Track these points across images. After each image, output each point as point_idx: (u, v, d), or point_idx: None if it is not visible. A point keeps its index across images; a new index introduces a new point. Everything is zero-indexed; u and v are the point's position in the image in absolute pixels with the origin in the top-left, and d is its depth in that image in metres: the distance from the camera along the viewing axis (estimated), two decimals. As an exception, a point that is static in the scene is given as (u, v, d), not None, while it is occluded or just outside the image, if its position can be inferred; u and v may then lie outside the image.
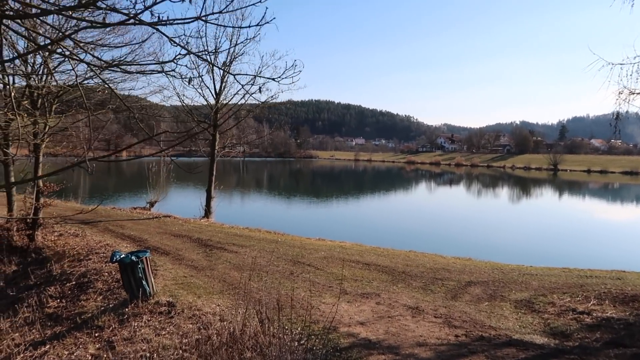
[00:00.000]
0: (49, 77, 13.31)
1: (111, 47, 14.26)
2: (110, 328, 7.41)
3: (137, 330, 7.13)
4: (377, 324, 6.93)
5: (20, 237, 13.61)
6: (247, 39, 18.18)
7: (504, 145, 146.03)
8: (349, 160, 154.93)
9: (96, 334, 7.33)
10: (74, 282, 10.12)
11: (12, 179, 14.26)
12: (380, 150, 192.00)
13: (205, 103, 18.77)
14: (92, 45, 14.20)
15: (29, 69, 13.24)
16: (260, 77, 4.63)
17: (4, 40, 13.06)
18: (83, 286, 9.76)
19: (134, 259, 7.92)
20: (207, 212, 18.46)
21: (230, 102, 19.34)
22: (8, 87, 13.60)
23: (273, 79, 4.17)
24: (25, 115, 13.18)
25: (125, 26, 14.70)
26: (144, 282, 8.09)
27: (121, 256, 8.03)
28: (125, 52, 14.15)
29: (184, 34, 3.68)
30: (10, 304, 10.17)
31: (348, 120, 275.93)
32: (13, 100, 14.10)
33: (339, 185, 64.61)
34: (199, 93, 18.27)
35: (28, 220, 13.33)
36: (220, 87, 18.33)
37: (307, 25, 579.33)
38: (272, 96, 18.55)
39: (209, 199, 18.65)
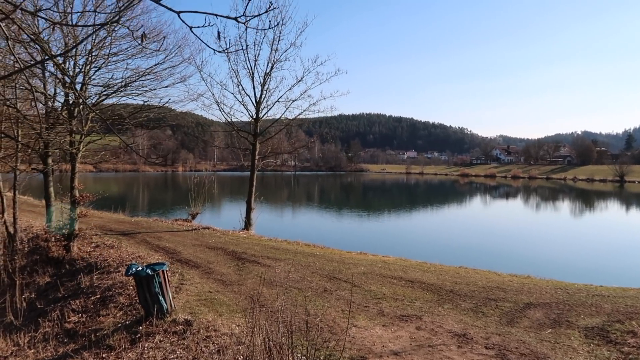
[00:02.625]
0: (85, 87, 13.21)
1: (147, 55, 14.07)
2: (120, 348, 6.74)
3: (145, 352, 6.41)
4: (415, 355, 5.85)
5: (56, 248, 13.49)
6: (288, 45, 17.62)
7: (565, 156, 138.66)
8: (400, 173, 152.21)
9: (104, 355, 6.68)
10: (98, 296, 9.66)
11: (51, 190, 14.24)
12: (432, 163, 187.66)
13: (244, 111, 18.34)
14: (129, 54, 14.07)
15: (67, 78, 13.17)
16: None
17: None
18: (106, 300, 9.26)
19: (150, 272, 7.26)
20: (247, 224, 17.87)
21: (271, 110, 18.78)
22: (49, 97, 13.67)
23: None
24: (61, 124, 13.15)
25: (160, 37, 14.53)
26: (160, 298, 7.41)
27: (137, 269, 7.40)
28: (161, 59, 13.92)
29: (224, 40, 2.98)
30: (36, 316, 9.85)
31: (399, 133, 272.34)
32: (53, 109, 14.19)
33: (390, 198, 63.00)
34: (239, 100, 17.85)
35: (65, 231, 13.17)
36: (261, 94, 17.85)
37: (355, 38, 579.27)
38: (313, 103, 17.87)
39: (248, 210, 18.07)
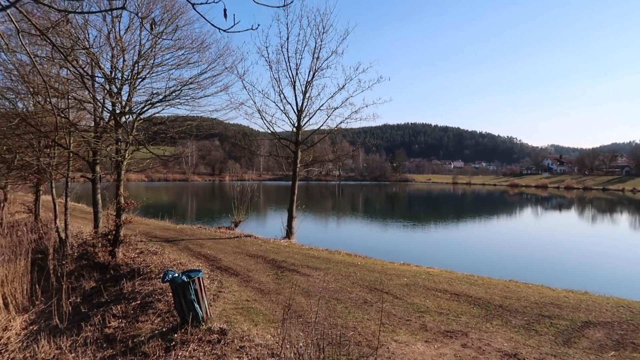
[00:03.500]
0: (131, 97, 13.51)
1: (191, 65, 14.26)
2: (154, 356, 6.65)
3: (178, 361, 6.28)
4: (461, 374, 5.42)
5: (103, 254, 13.78)
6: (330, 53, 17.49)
7: (622, 166, 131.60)
8: (446, 183, 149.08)
9: (138, 362, 6.61)
10: (138, 302, 9.70)
11: (99, 197, 14.61)
12: (480, 173, 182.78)
13: (286, 120, 18.30)
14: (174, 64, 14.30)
15: (114, 88, 13.53)
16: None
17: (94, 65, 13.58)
18: (145, 306, 9.27)
19: (185, 279, 7.16)
20: (289, 233, 17.73)
21: (313, 119, 18.63)
22: (97, 107, 14.07)
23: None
24: (108, 133, 13.48)
25: (205, 47, 14.71)
26: (195, 305, 7.29)
27: (173, 275, 7.32)
28: (203, 68, 14.09)
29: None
30: (79, 320, 9.98)
31: (445, 143, 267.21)
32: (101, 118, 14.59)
33: (436, 209, 61.55)
34: (280, 109, 17.82)
35: (109, 237, 13.45)
36: (303, 103, 17.77)
37: (399, 49, 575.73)
38: (355, 110, 17.60)
39: (290, 218, 17.94)
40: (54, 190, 18.66)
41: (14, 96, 16.59)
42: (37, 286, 13.15)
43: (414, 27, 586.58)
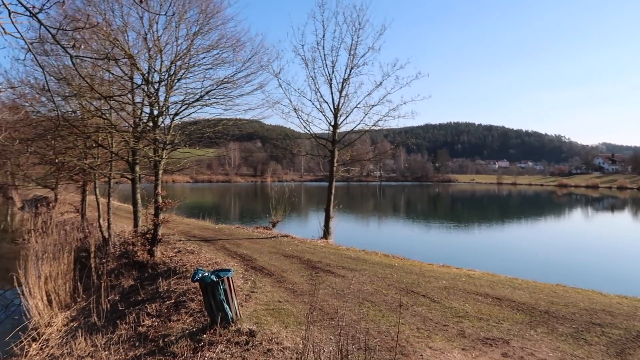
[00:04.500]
0: (167, 98, 13.63)
1: (226, 64, 14.28)
2: (182, 357, 6.54)
3: (205, 362, 6.14)
4: (501, 386, 5.00)
5: (142, 253, 13.96)
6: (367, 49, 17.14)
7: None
8: (490, 183, 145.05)
9: (166, 362, 6.52)
10: (173, 301, 9.69)
11: (138, 196, 14.84)
12: (526, 173, 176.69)
13: (322, 118, 18.05)
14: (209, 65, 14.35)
15: (152, 88, 13.70)
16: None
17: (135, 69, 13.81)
18: (179, 305, 9.24)
19: (214, 279, 7.03)
20: (326, 233, 17.49)
21: (350, 117, 18.33)
22: (136, 108, 14.29)
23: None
24: (146, 134, 13.66)
25: (240, 46, 14.70)
26: (225, 306, 7.15)
27: (203, 274, 7.20)
28: (238, 67, 14.08)
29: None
30: (116, 318, 10.08)
31: (490, 142, 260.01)
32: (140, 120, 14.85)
33: (480, 209, 59.85)
34: (316, 107, 17.63)
35: (148, 236, 13.61)
36: (339, 101, 17.49)
37: (439, 43, 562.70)
38: (393, 108, 17.17)
39: (327, 219, 17.69)
40: (97, 190, 19.19)
41: (60, 99, 17.14)
42: (79, 284, 13.47)
43: (453, 21, 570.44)
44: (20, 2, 2.99)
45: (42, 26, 3.18)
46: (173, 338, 7.41)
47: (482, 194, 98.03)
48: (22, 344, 9.96)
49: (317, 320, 7.44)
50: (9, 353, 9.80)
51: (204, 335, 6.99)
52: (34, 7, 3.30)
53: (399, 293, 9.10)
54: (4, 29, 3.20)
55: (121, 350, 7.77)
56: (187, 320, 8.23)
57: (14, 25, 3.29)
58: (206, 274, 7.21)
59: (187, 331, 7.58)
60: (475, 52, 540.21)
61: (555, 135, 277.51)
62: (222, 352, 6.40)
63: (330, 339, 6.48)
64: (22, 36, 3.34)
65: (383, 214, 48.39)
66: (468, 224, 40.51)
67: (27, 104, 16.41)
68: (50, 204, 31.93)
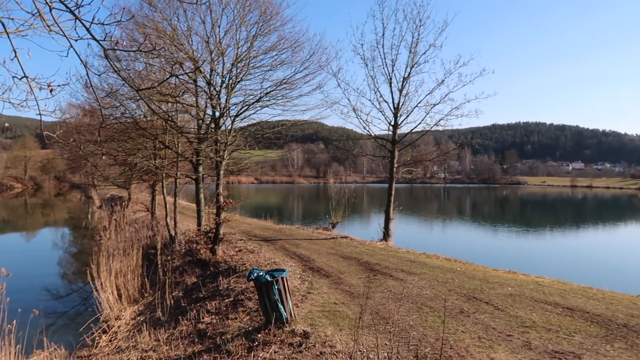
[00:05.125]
0: (228, 99, 13.95)
1: (285, 65, 14.40)
2: (237, 355, 6.59)
3: (258, 362, 6.14)
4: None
5: (204, 251, 14.36)
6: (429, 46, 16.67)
7: None
8: (563, 186, 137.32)
9: (221, 360, 6.58)
10: (232, 299, 9.84)
11: (202, 196, 15.28)
12: (603, 175, 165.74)
13: (382, 118, 17.75)
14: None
15: (213, 90, 14.07)
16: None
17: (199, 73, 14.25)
18: (237, 304, 9.36)
19: (269, 279, 7.02)
20: (385, 235, 17.18)
21: (410, 116, 17.95)
22: (200, 110, 14.74)
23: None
24: (209, 135, 14.04)
25: (298, 47, 14.77)
26: (279, 306, 7.12)
27: (258, 274, 7.22)
28: (297, 67, 14.16)
29: None
30: (179, 314, 10.39)
31: (562, 143, 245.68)
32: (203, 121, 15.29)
33: (552, 214, 56.72)
34: (376, 107, 17.35)
35: (210, 234, 13.97)
36: (399, 100, 17.13)
37: (508, 39, 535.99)
38: (456, 107, 16.57)
39: (387, 220, 17.37)
40: (164, 189, 20.01)
41: (133, 104, 18.02)
42: (146, 279, 14.08)
43: (522, 13, 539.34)
44: (67, 7, 3.06)
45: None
46: (229, 336, 7.49)
47: (554, 197, 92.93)
48: (94, 335, 10.54)
49: (372, 324, 7.25)
50: (82, 344, 10.38)
51: (259, 335, 7.00)
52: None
53: (460, 299, 8.70)
54: (77, 37, 3.29)
55: (181, 346, 7.96)
56: (244, 319, 8.30)
57: (89, 32, 3.40)
58: (261, 274, 7.22)
59: (243, 330, 7.64)
60: (545, 46, 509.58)
61: (637, 134, 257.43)
62: (275, 352, 6.37)
63: (385, 344, 6.26)
64: (98, 41, 3.44)
65: (446, 217, 47.09)
66: (538, 228, 38.51)
67: (100, 108, 17.42)
68: (124, 203, 33.79)
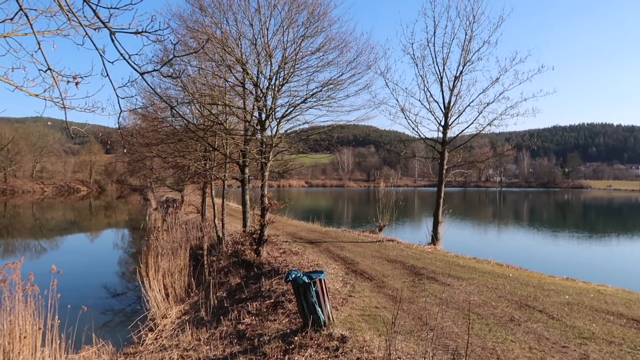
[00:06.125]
0: (275, 101, 13.94)
1: (332, 65, 14.24)
2: (272, 358, 6.43)
3: (292, 366, 5.95)
4: None
5: (249, 252, 14.41)
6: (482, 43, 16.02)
7: None
8: (632, 190, 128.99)
9: (256, 362, 6.46)
10: (272, 300, 9.75)
11: (247, 197, 15.36)
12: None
13: (431, 118, 17.20)
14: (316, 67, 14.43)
15: (259, 92, 14.11)
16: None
17: (246, 74, 14.37)
18: (277, 305, 9.25)
19: (306, 280, 6.84)
20: (434, 238, 16.62)
21: (462, 116, 17.32)
22: (246, 112, 14.84)
23: None
24: (255, 136, 14.09)
25: (345, 47, 14.57)
26: (317, 308, 6.92)
27: (296, 275, 7.05)
28: (343, 68, 13.96)
29: None
30: (221, 314, 10.41)
31: (632, 145, 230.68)
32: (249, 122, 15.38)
33: (619, 219, 53.29)
34: (425, 107, 16.85)
35: (255, 236, 13.99)
36: (449, 99, 16.54)
37: (571, 35, 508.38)
38: (511, 105, 15.81)
39: (435, 223, 16.80)
40: (213, 191, 20.36)
41: (185, 108, 18.46)
42: (193, 279, 14.30)
43: (586, 6, 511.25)
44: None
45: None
46: (267, 338, 7.37)
47: (622, 201, 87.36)
48: (140, 333, 10.76)
49: (414, 330, 6.91)
50: (129, 341, 10.61)
51: (295, 338, 6.83)
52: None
53: (511, 306, 8.17)
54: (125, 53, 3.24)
55: (220, 346, 7.93)
56: (283, 321, 8.16)
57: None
58: (299, 275, 7.05)
59: (281, 332, 7.50)
60: (612, 43, 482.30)
61: None
62: (310, 356, 6.17)
63: (427, 351, 5.92)
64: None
65: (501, 221, 45.26)
66: (602, 234, 36.22)
67: (154, 111, 17.95)
68: (177, 205, 34.79)
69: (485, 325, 7.05)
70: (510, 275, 11.02)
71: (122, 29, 2.81)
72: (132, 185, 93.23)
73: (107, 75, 2.87)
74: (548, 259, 22.51)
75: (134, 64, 2.79)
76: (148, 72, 2.83)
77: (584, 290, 9.57)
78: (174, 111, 16.37)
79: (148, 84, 2.75)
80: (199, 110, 16.74)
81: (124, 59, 2.80)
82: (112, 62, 2.82)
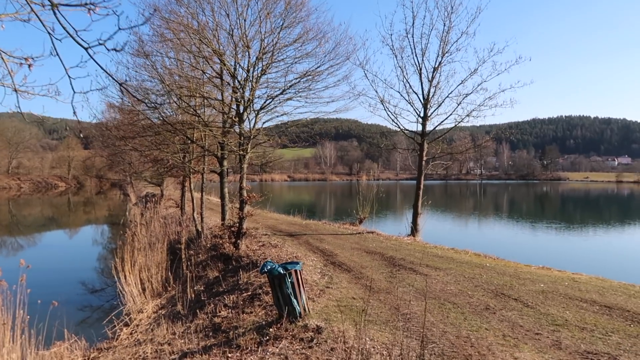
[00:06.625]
0: (253, 93, 13.77)
1: (310, 56, 14.12)
2: (246, 350, 6.35)
3: (265, 358, 5.88)
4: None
5: (228, 245, 14.28)
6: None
7: None
8: (607, 182, 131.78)
9: (229, 355, 6.37)
10: (249, 293, 9.65)
11: (226, 190, 15.19)
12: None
13: (410, 109, 17.18)
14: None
15: (237, 83, 13.92)
16: None
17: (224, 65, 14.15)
18: (254, 298, 9.15)
19: (281, 271, 6.76)
20: (414, 230, 16.67)
21: (441, 107, 17.36)
22: (224, 104, 14.64)
23: None
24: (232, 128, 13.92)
25: (323, 38, 14.45)
26: (292, 299, 6.85)
27: (271, 267, 6.96)
28: (321, 59, 13.84)
29: None
30: (197, 308, 10.29)
31: (608, 137, 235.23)
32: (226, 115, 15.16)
33: (595, 210, 54.34)
34: (405, 99, 16.83)
35: (233, 229, 13.85)
36: (429, 91, 16.55)
37: (550, 29, 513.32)
38: (489, 97, 15.89)
39: (415, 215, 16.86)
40: (191, 185, 20.11)
41: (158, 97, 18.11)
42: (170, 273, 14.10)
43: (563, 5, 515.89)
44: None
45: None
46: (242, 330, 7.28)
47: (598, 193, 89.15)
48: (115, 328, 10.56)
49: (390, 320, 6.89)
50: (104, 336, 10.42)
51: (270, 330, 6.76)
52: None
53: (486, 295, 8.21)
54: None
55: (194, 340, 7.80)
56: (260, 313, 8.08)
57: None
58: (274, 266, 6.97)
59: (256, 324, 7.41)
60: (591, 38, 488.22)
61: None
62: (285, 347, 6.10)
63: (402, 341, 5.89)
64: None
65: (481, 213, 45.79)
66: (579, 225, 36.89)
67: (130, 104, 17.61)
68: (156, 200, 34.35)
69: (460, 314, 7.06)
70: (488, 265, 11.10)
71: (67, 3, 2.66)
72: (111, 179, 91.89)
73: (57, 54, 2.73)
74: (525, 249, 22.82)
75: (81, 39, 2.65)
76: (91, 46, 2.67)
77: (559, 279, 9.67)
78: (150, 104, 16.14)
79: (97, 62, 2.59)
80: (176, 103, 16.47)
81: (69, 34, 2.65)
82: (60, 40, 2.67)
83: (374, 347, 5.79)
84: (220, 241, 14.88)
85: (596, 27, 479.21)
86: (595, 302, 7.76)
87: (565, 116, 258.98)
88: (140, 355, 8.01)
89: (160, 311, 11.60)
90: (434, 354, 5.45)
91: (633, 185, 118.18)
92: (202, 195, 18.51)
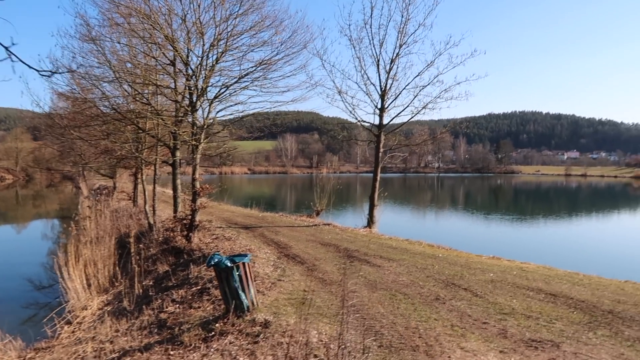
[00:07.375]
0: (207, 81, 13.34)
1: (266, 44, 13.80)
2: (189, 347, 6.09)
3: (208, 355, 5.64)
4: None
5: (180, 238, 13.84)
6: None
7: None
8: (557, 175, 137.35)
9: (171, 352, 6.09)
10: (199, 287, 9.34)
11: (178, 182, 14.71)
12: (598, 164, 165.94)
13: (368, 101, 17.13)
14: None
15: (190, 71, 13.44)
16: None
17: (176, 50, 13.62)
18: (203, 292, 8.86)
19: (229, 265, 6.51)
20: (370, 222, 16.69)
21: (398, 99, 17.39)
22: (177, 93, 14.12)
23: None
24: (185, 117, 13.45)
25: (280, 25, 14.15)
26: (240, 293, 6.63)
27: (218, 259, 6.70)
28: (278, 47, 13.55)
29: None
30: (145, 303, 9.89)
31: (558, 132, 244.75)
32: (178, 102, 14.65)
33: (546, 202, 56.42)
34: (362, 90, 16.75)
35: (185, 221, 13.43)
36: (386, 82, 16.53)
37: (505, 26, 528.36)
38: (445, 89, 16.01)
39: (371, 207, 16.87)
40: (143, 177, 19.43)
41: (107, 84, 17.31)
42: (118, 268, 13.55)
43: (517, 2, 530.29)
44: None
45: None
46: (188, 326, 7.00)
47: (548, 186, 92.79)
48: (56, 326, 10.01)
49: (339, 314, 6.76)
50: (43, 335, 9.85)
51: (217, 325, 6.53)
52: None
53: (437, 285, 8.23)
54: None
55: (138, 337, 7.46)
56: (207, 308, 7.81)
57: None
58: (222, 259, 6.71)
59: (204, 319, 7.15)
60: (542, 34, 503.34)
61: (633, 123, 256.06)
62: (230, 343, 5.88)
63: (352, 333, 5.79)
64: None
65: (438, 206, 46.68)
66: (531, 217, 38.17)
67: (78, 91, 16.74)
68: (109, 192, 33.16)
69: (411, 305, 7.03)
70: (440, 255, 11.19)
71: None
72: (62, 171, 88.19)
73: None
74: (478, 240, 23.38)
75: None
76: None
77: (508, 268, 9.84)
78: (99, 90, 15.39)
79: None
80: (126, 91, 15.77)
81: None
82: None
83: (321, 340, 5.65)
84: (172, 234, 14.41)
85: (546, 24, 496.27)
86: (541, 291, 7.91)
87: (519, 111, 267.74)
88: (79, 355, 7.59)
89: (105, 308, 11.10)
90: (382, 345, 5.37)
91: (580, 178, 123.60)
92: (154, 187, 17.87)
